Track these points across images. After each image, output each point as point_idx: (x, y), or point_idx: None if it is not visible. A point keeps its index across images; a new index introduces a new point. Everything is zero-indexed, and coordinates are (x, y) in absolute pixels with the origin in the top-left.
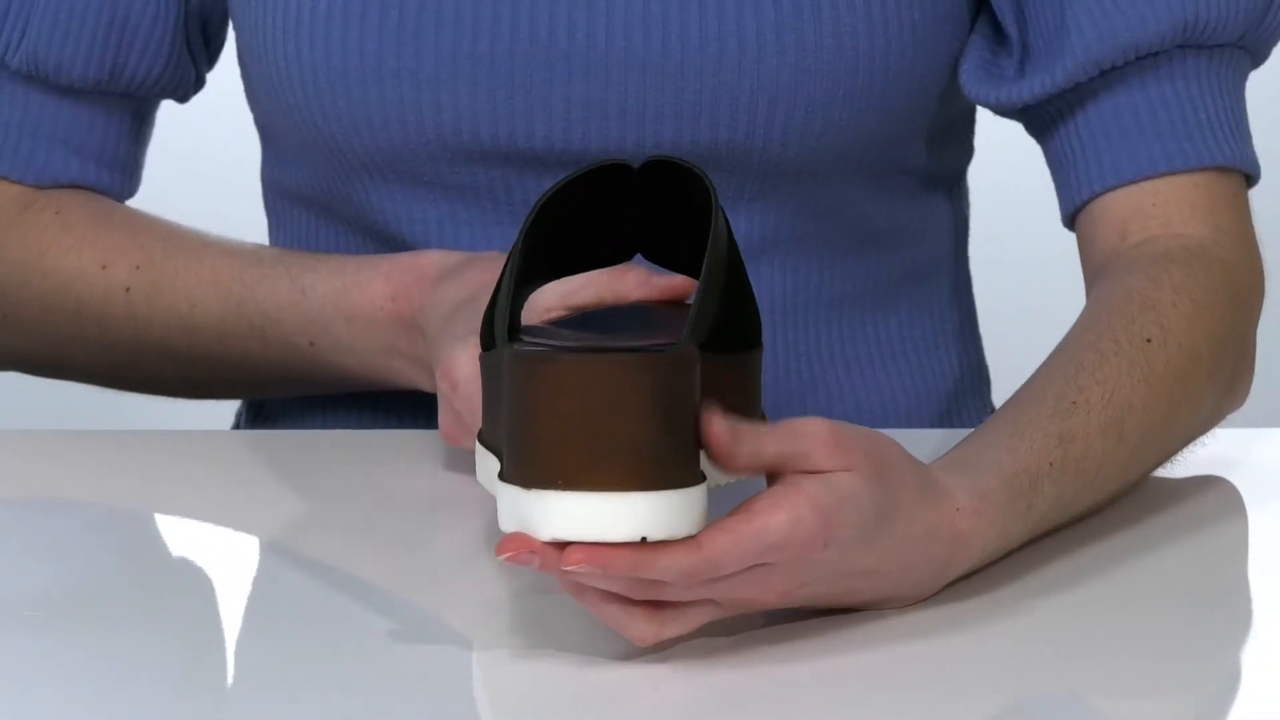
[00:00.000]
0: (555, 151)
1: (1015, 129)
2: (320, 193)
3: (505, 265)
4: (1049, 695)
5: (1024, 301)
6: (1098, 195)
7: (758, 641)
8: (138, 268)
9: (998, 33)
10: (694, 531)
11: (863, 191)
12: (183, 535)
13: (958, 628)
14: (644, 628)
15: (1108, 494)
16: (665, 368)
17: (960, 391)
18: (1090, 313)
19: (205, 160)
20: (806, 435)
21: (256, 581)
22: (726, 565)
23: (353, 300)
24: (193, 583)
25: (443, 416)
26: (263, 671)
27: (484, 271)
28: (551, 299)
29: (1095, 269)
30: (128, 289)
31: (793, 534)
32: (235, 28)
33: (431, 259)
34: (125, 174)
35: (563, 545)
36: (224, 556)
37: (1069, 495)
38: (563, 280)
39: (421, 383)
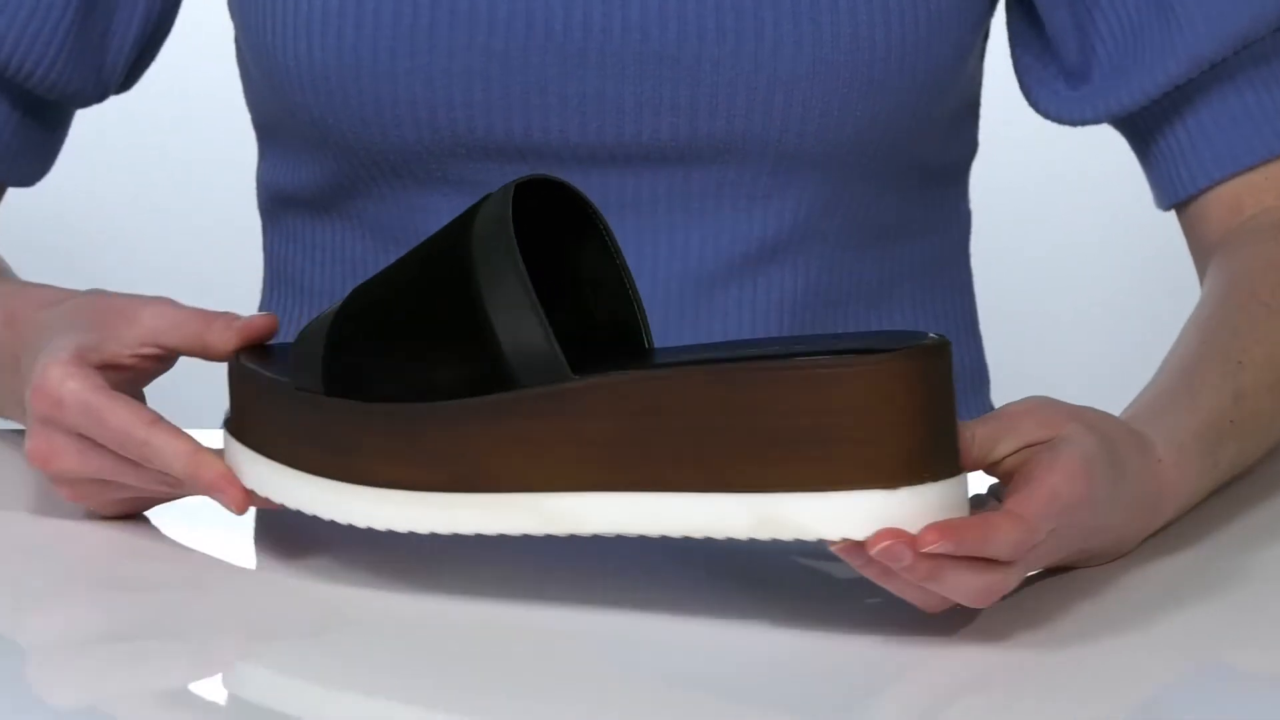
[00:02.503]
0: (570, 146)
1: (1012, 124)
2: (324, 193)
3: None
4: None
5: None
6: (1210, 185)
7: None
8: None
9: (1042, 43)
10: None
11: (873, 185)
12: (175, 536)
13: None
14: (986, 583)
15: (1266, 450)
16: (949, 357)
17: (959, 390)
18: (1224, 281)
19: (203, 166)
20: (1016, 414)
21: (249, 582)
22: (1040, 532)
23: None
24: (184, 583)
25: (34, 440)
26: (256, 673)
27: (79, 310)
28: (146, 335)
29: (1210, 245)
30: None
31: (1072, 493)
32: (237, 28)
33: (45, 295)
34: (3, 161)
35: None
36: (216, 557)
37: (1247, 451)
38: (159, 314)
39: (15, 416)
